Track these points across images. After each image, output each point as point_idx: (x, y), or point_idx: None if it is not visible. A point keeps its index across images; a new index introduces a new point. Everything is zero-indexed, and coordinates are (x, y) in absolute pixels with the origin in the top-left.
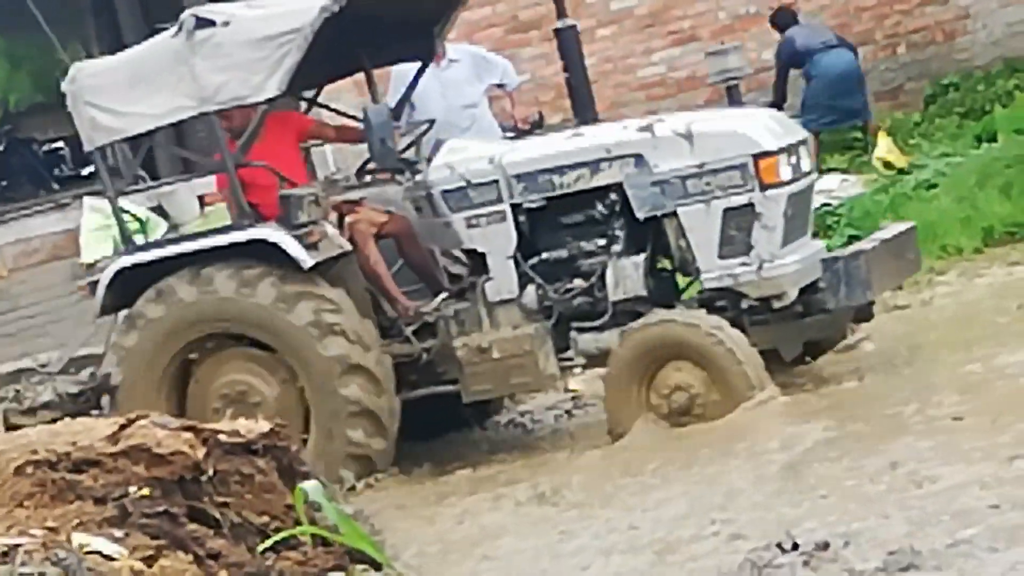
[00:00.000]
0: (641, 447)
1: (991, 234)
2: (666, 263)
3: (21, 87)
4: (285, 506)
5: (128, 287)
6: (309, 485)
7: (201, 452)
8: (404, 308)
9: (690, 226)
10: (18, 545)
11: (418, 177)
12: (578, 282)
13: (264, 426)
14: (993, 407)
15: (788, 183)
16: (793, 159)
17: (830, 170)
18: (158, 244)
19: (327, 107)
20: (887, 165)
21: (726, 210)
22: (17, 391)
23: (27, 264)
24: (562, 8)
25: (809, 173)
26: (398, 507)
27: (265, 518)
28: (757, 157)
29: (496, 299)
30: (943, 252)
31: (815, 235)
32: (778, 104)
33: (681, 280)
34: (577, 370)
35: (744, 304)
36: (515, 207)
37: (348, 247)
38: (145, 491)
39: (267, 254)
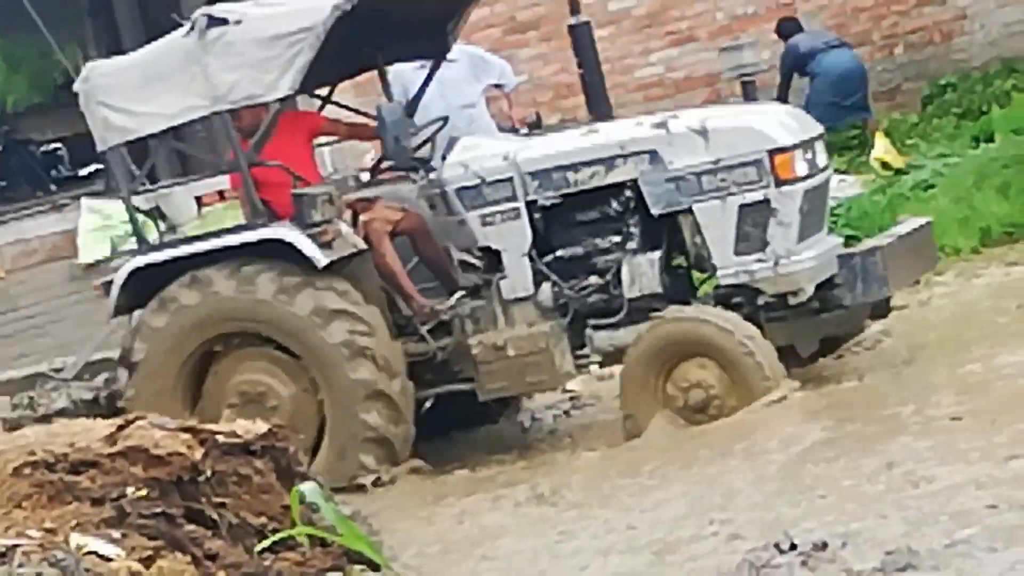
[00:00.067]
0: (642, 447)
1: (989, 234)
2: (682, 260)
3: (19, 88)
4: (283, 507)
5: (142, 287)
6: (307, 486)
7: (199, 453)
8: (420, 306)
9: (706, 223)
10: (16, 546)
11: (432, 175)
12: (593, 279)
13: (262, 427)
14: (991, 407)
15: (804, 179)
16: (809, 155)
17: None
18: (172, 244)
19: (341, 105)
20: (885, 165)
21: (742, 206)
22: (31, 398)
23: (25, 265)
24: (576, 5)
25: (825, 168)
26: (397, 507)
27: (263, 519)
28: (772, 153)
29: (511, 297)
30: (941, 252)
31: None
32: None
33: (697, 277)
34: (594, 368)
35: (760, 300)
36: (530, 204)
37: (363, 246)
38: (143, 492)
39: (281, 253)
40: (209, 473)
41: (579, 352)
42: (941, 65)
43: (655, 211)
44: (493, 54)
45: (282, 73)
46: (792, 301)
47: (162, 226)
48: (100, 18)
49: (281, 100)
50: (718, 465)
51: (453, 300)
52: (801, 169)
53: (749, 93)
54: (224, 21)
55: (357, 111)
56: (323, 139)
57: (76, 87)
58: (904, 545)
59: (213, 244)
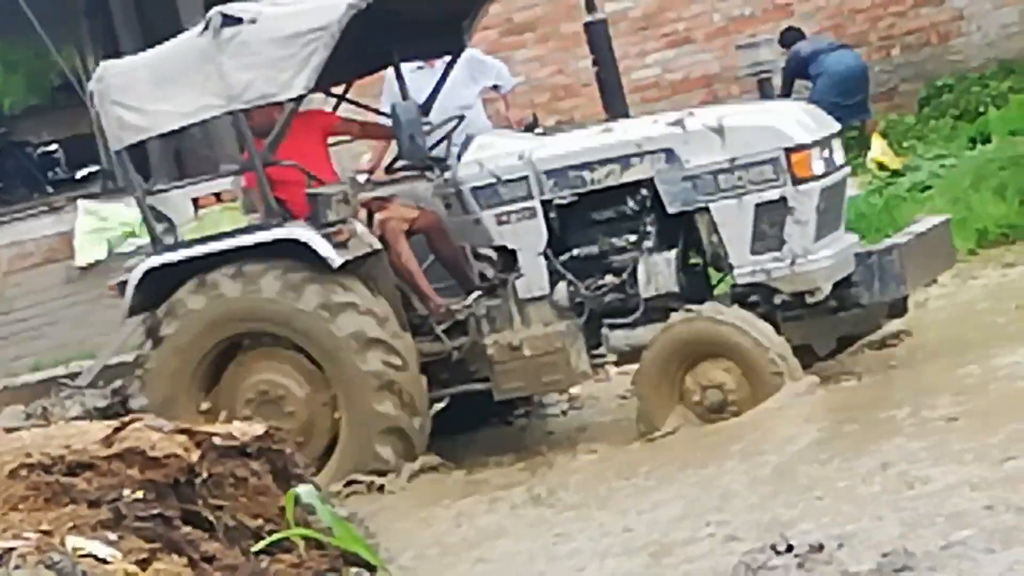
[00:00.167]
0: (638, 448)
1: (985, 236)
2: (698, 259)
3: (15, 90)
4: (279, 509)
5: (157, 287)
6: (303, 488)
7: (195, 455)
8: (436, 306)
9: (722, 221)
10: (12, 548)
11: (447, 174)
12: (609, 278)
13: (258, 429)
14: (987, 409)
15: (821, 177)
16: (826, 152)
17: None
18: (187, 244)
19: (357, 103)
20: (881, 167)
21: (758, 205)
22: (44, 408)
23: (21, 267)
24: (591, 2)
25: (842, 166)
26: (393, 509)
27: (259, 521)
28: (789, 151)
29: (527, 296)
30: None
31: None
32: None
33: (713, 275)
34: (610, 367)
35: (777, 299)
36: (545, 203)
37: (378, 245)
38: (139, 494)
39: (296, 253)
40: (205, 475)
41: (595, 352)
42: (938, 66)
43: (671, 210)
44: (490, 56)
45: (297, 72)
46: (809, 300)
47: (159, 227)
48: (97, 20)
49: (296, 99)
50: (714, 466)
51: (469, 300)
52: (818, 167)
53: (766, 91)
54: (239, 20)
55: (373, 109)
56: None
57: (90, 86)
58: (900, 547)
59: (228, 244)
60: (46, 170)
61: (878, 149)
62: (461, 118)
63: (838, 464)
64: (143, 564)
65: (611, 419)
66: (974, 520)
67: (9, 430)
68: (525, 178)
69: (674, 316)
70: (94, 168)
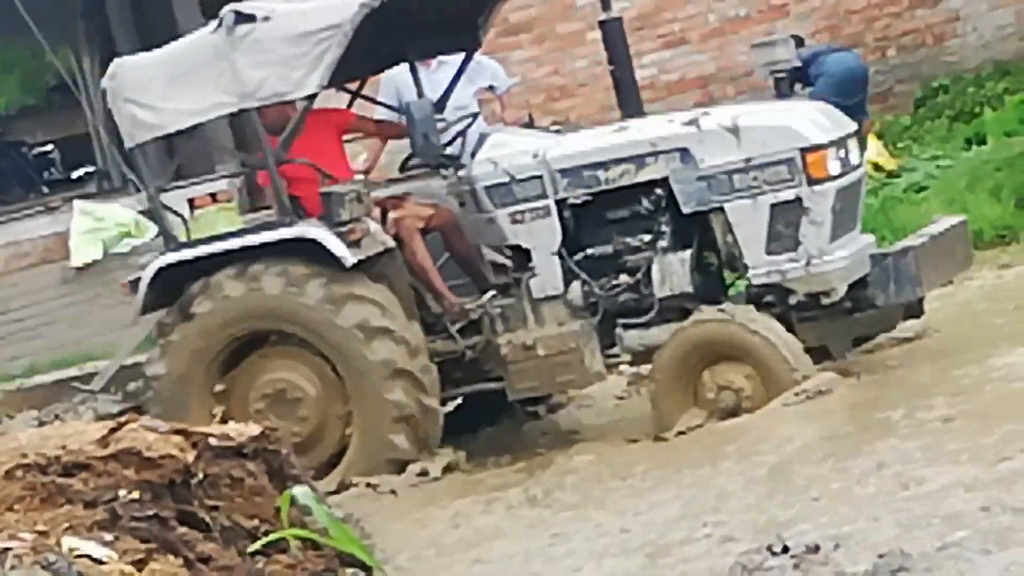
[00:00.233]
0: (634, 449)
1: (981, 237)
2: (713, 259)
3: (11, 90)
4: (275, 509)
5: (169, 285)
6: (298, 489)
7: (191, 456)
8: (450, 305)
9: (737, 221)
10: (8, 549)
11: (461, 172)
12: (624, 278)
13: (254, 429)
14: (983, 409)
15: (836, 177)
16: (842, 153)
17: None
18: (199, 242)
19: (371, 100)
20: (877, 168)
21: (773, 205)
22: (57, 416)
23: (17, 267)
24: (607, 1)
25: (858, 167)
26: (390, 510)
27: (255, 521)
28: (804, 151)
29: (541, 295)
30: None
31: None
32: None
33: (728, 276)
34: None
35: (792, 300)
36: (560, 202)
37: (391, 244)
38: (135, 495)
39: (309, 251)
40: (201, 476)
41: (609, 352)
42: (933, 67)
43: (686, 210)
44: (486, 56)
45: (310, 70)
46: (824, 301)
47: (154, 228)
48: (93, 21)
49: (309, 97)
50: (711, 467)
51: (484, 299)
52: (834, 168)
53: (782, 89)
54: (252, 18)
55: (388, 106)
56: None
57: (104, 84)
58: (896, 548)
59: (241, 242)
60: (42, 170)
61: (874, 150)
62: (475, 115)
63: (834, 465)
64: (139, 565)
65: (607, 420)
66: (970, 521)
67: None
68: (539, 177)
69: (689, 318)
70: (90, 168)
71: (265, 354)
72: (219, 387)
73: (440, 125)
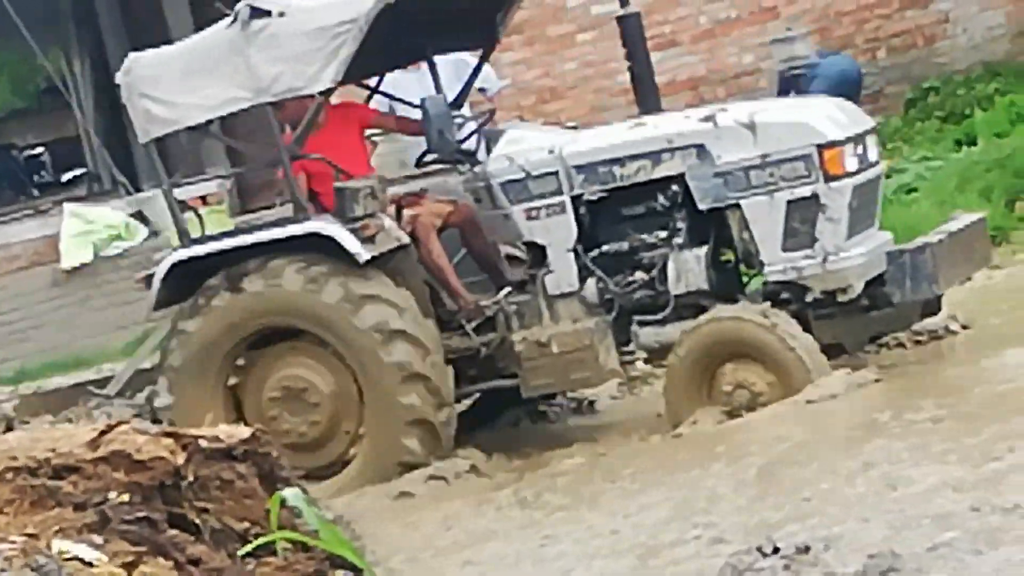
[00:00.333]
0: (624, 451)
1: None
2: (729, 256)
3: (1, 93)
4: (266, 512)
5: (183, 281)
6: (289, 491)
7: (181, 458)
8: (465, 302)
9: (753, 218)
10: None
11: (477, 168)
12: (639, 275)
13: (244, 432)
14: (972, 410)
15: (853, 174)
16: (859, 149)
17: None
18: (213, 238)
19: (389, 96)
20: None
21: (790, 202)
22: (69, 420)
23: (7, 270)
24: None
25: (876, 163)
26: (381, 512)
27: (246, 524)
28: (821, 148)
29: (556, 292)
30: None
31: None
32: None
33: (745, 272)
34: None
35: (809, 297)
36: (575, 199)
37: (405, 240)
38: (125, 497)
39: (323, 247)
40: (191, 478)
41: (624, 349)
42: (924, 69)
43: (702, 206)
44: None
45: (325, 65)
46: (841, 298)
47: (145, 231)
48: (83, 23)
49: (323, 93)
50: (700, 468)
51: (499, 296)
52: (851, 164)
53: (802, 86)
54: (267, 13)
55: (406, 102)
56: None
57: (118, 79)
58: (887, 548)
59: (255, 238)
60: (32, 173)
61: None
62: (492, 112)
63: (823, 465)
64: (129, 567)
65: (597, 422)
66: (960, 521)
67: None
68: (555, 173)
69: (704, 315)
70: (80, 171)
71: (280, 350)
72: (232, 381)
73: (457, 121)
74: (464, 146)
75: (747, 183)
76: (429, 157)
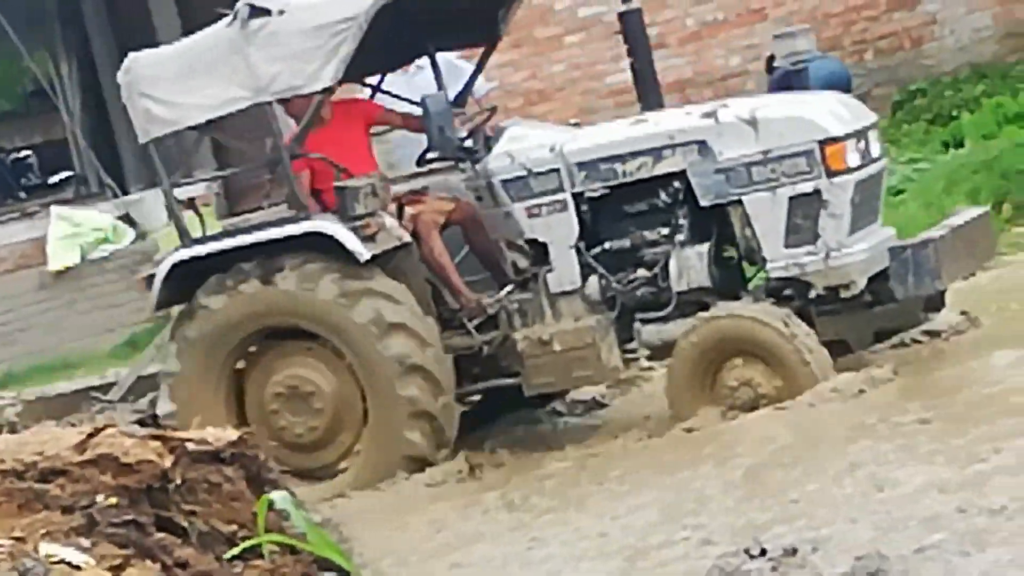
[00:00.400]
0: (611, 453)
1: None
2: (731, 252)
3: None
4: (253, 514)
5: (184, 281)
6: (276, 494)
7: (169, 461)
8: (467, 300)
9: (755, 214)
10: None
11: (478, 166)
12: (641, 272)
13: (232, 434)
14: (959, 412)
15: (856, 169)
16: (861, 144)
17: None
18: (213, 238)
19: (391, 93)
20: None
21: (792, 198)
22: (72, 425)
23: None
24: None
25: (879, 158)
26: (370, 515)
27: (233, 527)
28: (823, 143)
29: (558, 290)
30: None
31: None
32: None
33: (748, 268)
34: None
35: (812, 294)
36: (577, 196)
37: (407, 238)
38: (112, 500)
39: (325, 246)
40: (179, 481)
41: (627, 346)
42: (911, 71)
43: (704, 202)
44: (463, 60)
45: (324, 63)
46: (844, 294)
47: (132, 233)
48: (70, 26)
49: (323, 91)
50: (689, 470)
51: (501, 294)
52: (853, 160)
53: (804, 81)
54: (267, 11)
55: (408, 100)
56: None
57: (118, 78)
58: (874, 550)
59: (256, 237)
60: (19, 176)
61: None
62: (493, 110)
63: (811, 467)
64: (116, 570)
65: (580, 423)
66: (947, 523)
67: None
68: (556, 170)
69: (707, 312)
70: (67, 174)
71: (280, 350)
72: (234, 383)
73: (459, 119)
74: (466, 144)
75: (749, 179)
76: (431, 155)
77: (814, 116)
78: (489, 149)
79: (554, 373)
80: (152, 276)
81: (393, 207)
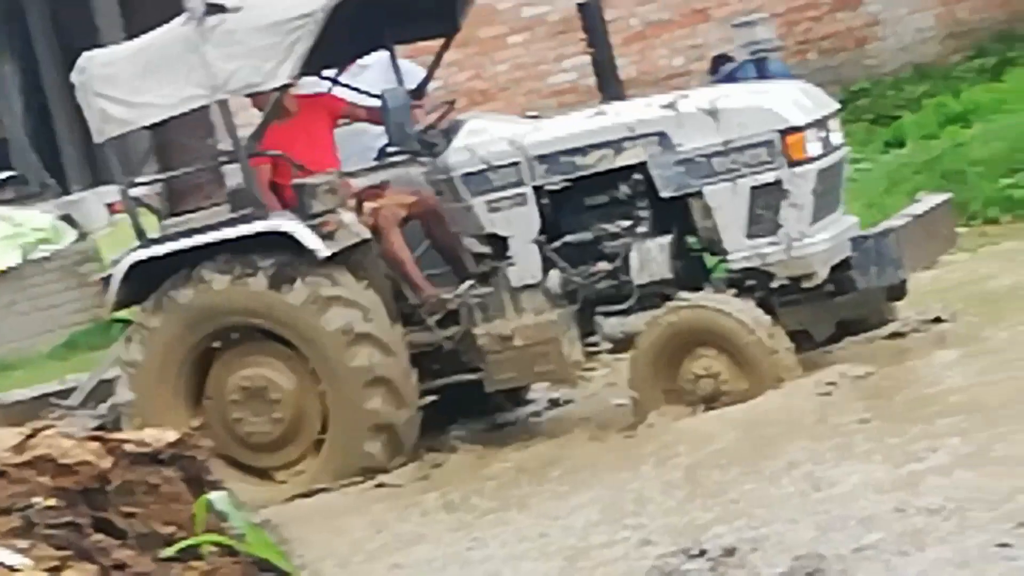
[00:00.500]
0: (553, 453)
1: None
2: (693, 244)
3: None
4: (192, 515)
5: (143, 281)
6: (215, 494)
7: (107, 462)
8: (427, 296)
9: (716, 205)
10: None
11: (438, 160)
12: (603, 265)
13: (171, 435)
14: (898, 412)
15: (817, 159)
16: (822, 133)
17: None
18: (172, 237)
19: (349, 86)
20: None
21: (753, 188)
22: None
23: None
24: None
25: (840, 147)
26: (310, 517)
27: (172, 528)
28: (784, 133)
29: (519, 284)
30: None
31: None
32: None
33: (710, 259)
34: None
35: (774, 284)
36: (537, 189)
37: (367, 235)
38: (50, 502)
39: (283, 244)
40: (117, 482)
41: (588, 340)
42: (854, 71)
43: (664, 194)
44: (407, 60)
45: (282, 60)
46: (806, 285)
47: (73, 234)
48: (11, 26)
49: (280, 88)
50: (630, 470)
51: (461, 289)
52: (814, 149)
53: (763, 70)
54: (222, 8)
55: (367, 93)
56: None
57: (72, 78)
58: (813, 550)
59: (214, 237)
60: None
61: None
62: (452, 103)
63: (750, 467)
64: (54, 572)
65: (531, 422)
66: (885, 523)
67: None
68: (516, 164)
69: (668, 304)
70: (8, 174)
71: (244, 348)
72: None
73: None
74: (425, 138)
75: (710, 170)
76: (390, 149)
77: (775, 106)
78: (449, 143)
79: (516, 368)
80: (109, 277)
81: (353, 202)
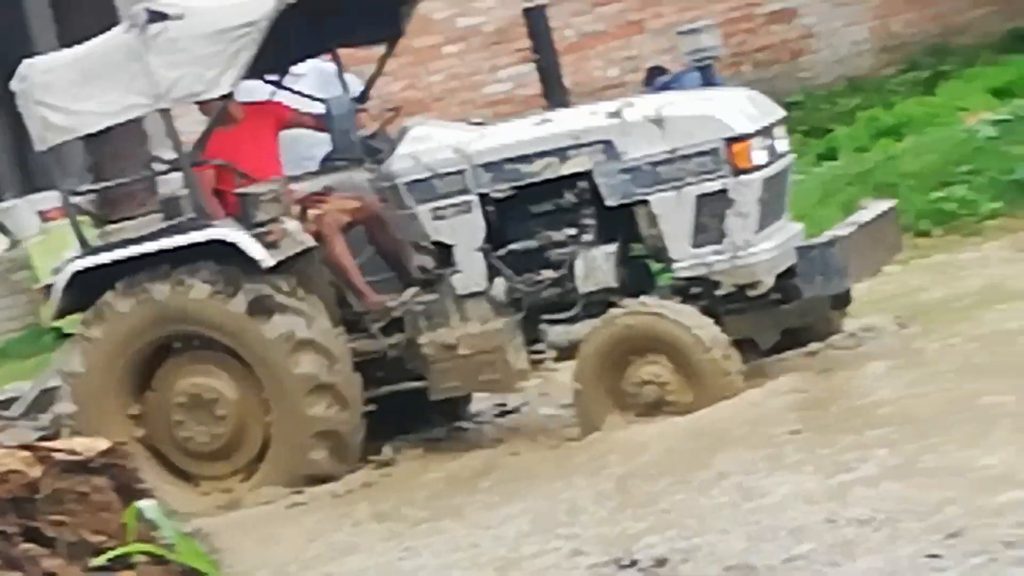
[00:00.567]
0: (484, 463)
1: None
2: (639, 252)
3: None
4: (122, 524)
5: (84, 290)
6: (145, 503)
7: (38, 471)
8: (371, 303)
9: (662, 214)
10: None
11: (383, 167)
12: (548, 273)
13: (102, 444)
14: (829, 423)
15: (763, 167)
16: (768, 141)
17: None
18: (115, 246)
19: (292, 90)
20: None
21: (699, 197)
22: None
23: None
24: None
25: (785, 154)
26: (242, 526)
27: (102, 537)
28: (730, 141)
29: (464, 292)
30: None
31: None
32: None
33: (655, 266)
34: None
35: (719, 292)
36: (482, 197)
37: (311, 243)
38: None
39: (227, 254)
40: (47, 491)
41: (534, 348)
42: (788, 83)
43: (610, 202)
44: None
45: (224, 69)
46: (751, 293)
47: (4, 241)
48: None
49: (222, 97)
50: (561, 480)
51: (405, 296)
52: (759, 158)
53: (707, 77)
54: (165, 16)
55: (311, 97)
56: None
57: (12, 85)
58: (743, 561)
59: (157, 245)
60: None
61: None
62: (397, 109)
63: (682, 476)
64: None
65: (459, 432)
66: (815, 534)
67: None
68: (461, 172)
69: (611, 311)
70: None
71: (187, 356)
72: (133, 410)
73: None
74: (369, 144)
75: (655, 178)
76: (335, 156)
77: (720, 114)
78: (393, 150)
79: (460, 377)
80: (51, 285)
81: (296, 210)
